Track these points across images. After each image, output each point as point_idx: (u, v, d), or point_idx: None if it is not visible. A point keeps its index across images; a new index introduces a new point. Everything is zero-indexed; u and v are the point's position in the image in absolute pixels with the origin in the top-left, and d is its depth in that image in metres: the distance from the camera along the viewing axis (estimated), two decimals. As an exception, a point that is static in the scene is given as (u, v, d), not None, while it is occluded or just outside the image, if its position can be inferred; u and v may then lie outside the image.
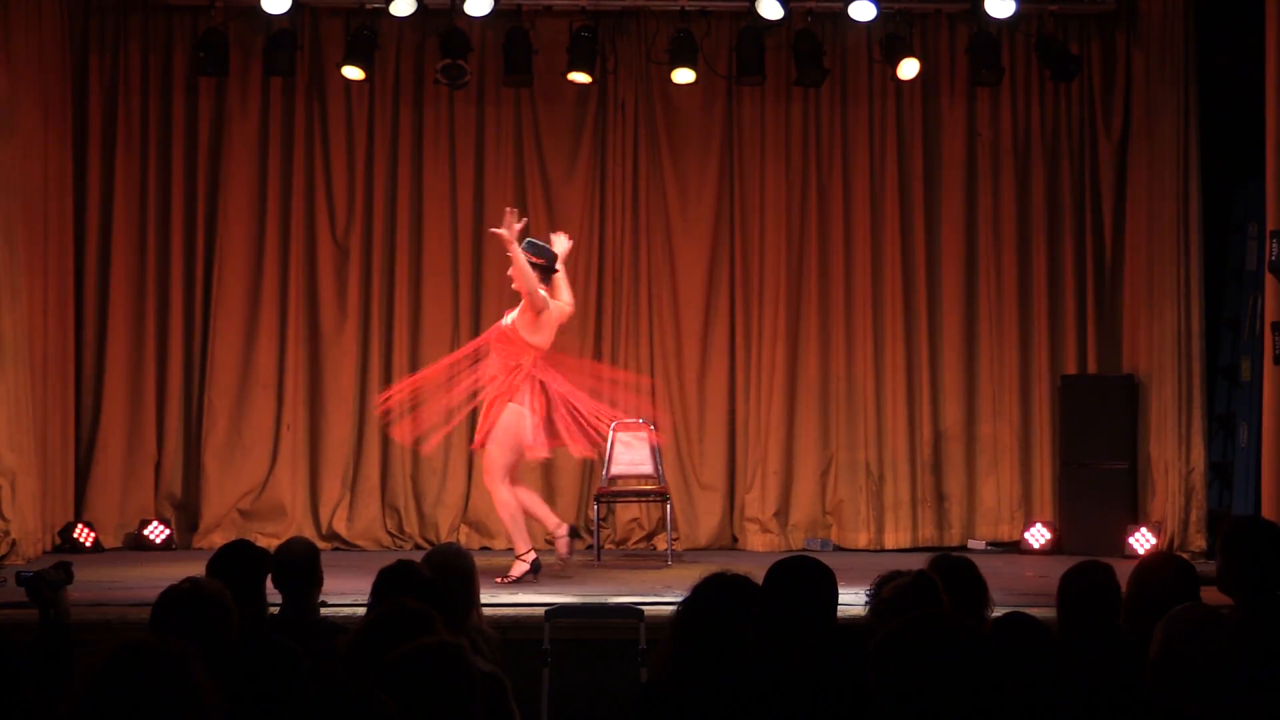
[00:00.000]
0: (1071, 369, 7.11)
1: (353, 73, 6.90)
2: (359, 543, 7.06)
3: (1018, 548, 6.97)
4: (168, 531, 6.99)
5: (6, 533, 6.24)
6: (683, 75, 6.86)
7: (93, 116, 7.10)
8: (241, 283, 7.18)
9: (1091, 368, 7.14)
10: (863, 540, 7.07)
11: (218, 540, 6.82)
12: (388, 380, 7.15)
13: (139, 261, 7.14)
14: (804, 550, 6.94)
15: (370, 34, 6.87)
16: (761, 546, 7.01)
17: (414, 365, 7.21)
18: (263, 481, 7.12)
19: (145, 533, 6.94)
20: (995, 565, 6.40)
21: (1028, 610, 2.71)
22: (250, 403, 7.15)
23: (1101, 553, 6.00)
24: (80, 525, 6.85)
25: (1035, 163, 7.16)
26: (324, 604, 3.61)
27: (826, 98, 7.17)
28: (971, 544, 7.09)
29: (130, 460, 7.11)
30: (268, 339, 7.16)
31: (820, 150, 7.22)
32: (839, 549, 7.04)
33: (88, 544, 6.80)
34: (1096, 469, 6.84)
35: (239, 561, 3.09)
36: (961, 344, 7.17)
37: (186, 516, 7.12)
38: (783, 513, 7.14)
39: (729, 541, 7.17)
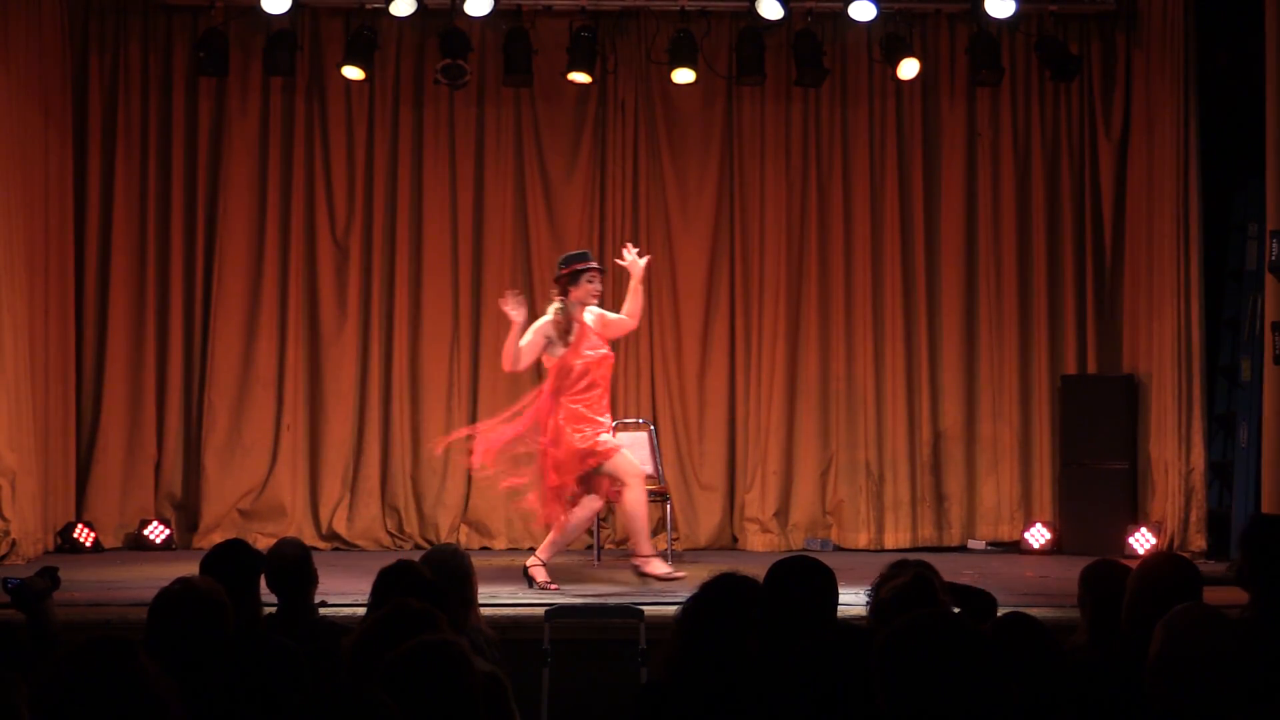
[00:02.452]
0: (1071, 369, 7.10)
1: (353, 73, 6.90)
2: (359, 543, 7.04)
3: (1018, 548, 6.95)
4: (168, 531, 6.98)
5: (6, 533, 6.23)
6: (683, 75, 6.86)
7: (92, 116, 7.09)
8: (241, 283, 7.16)
9: (1091, 368, 7.13)
10: (863, 540, 7.06)
11: (218, 540, 6.81)
12: (388, 380, 7.19)
13: (139, 261, 7.13)
14: (804, 550, 6.95)
15: (370, 34, 6.87)
16: (761, 546, 7.00)
17: (414, 365, 7.23)
18: (263, 481, 7.10)
19: (145, 533, 6.94)
20: (995, 565, 6.42)
21: (1028, 610, 2.72)
22: (250, 403, 7.14)
23: (1101, 552, 6.01)
24: (80, 525, 6.84)
25: (1035, 163, 7.16)
26: (323, 604, 3.61)
27: (826, 98, 7.16)
28: (971, 544, 7.09)
29: (130, 460, 7.10)
30: (268, 339, 7.15)
31: (820, 150, 7.21)
32: (839, 549, 7.04)
33: (88, 544, 6.79)
34: (1096, 469, 6.83)
35: (231, 561, 3.09)
36: (961, 344, 7.16)
37: (186, 516, 7.11)
38: (783, 513, 7.14)
39: (729, 542, 7.16)
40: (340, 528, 7.06)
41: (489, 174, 7.23)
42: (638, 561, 5.39)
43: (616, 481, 5.43)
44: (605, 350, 5.50)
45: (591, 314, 5.52)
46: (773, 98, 7.14)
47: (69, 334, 7.08)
